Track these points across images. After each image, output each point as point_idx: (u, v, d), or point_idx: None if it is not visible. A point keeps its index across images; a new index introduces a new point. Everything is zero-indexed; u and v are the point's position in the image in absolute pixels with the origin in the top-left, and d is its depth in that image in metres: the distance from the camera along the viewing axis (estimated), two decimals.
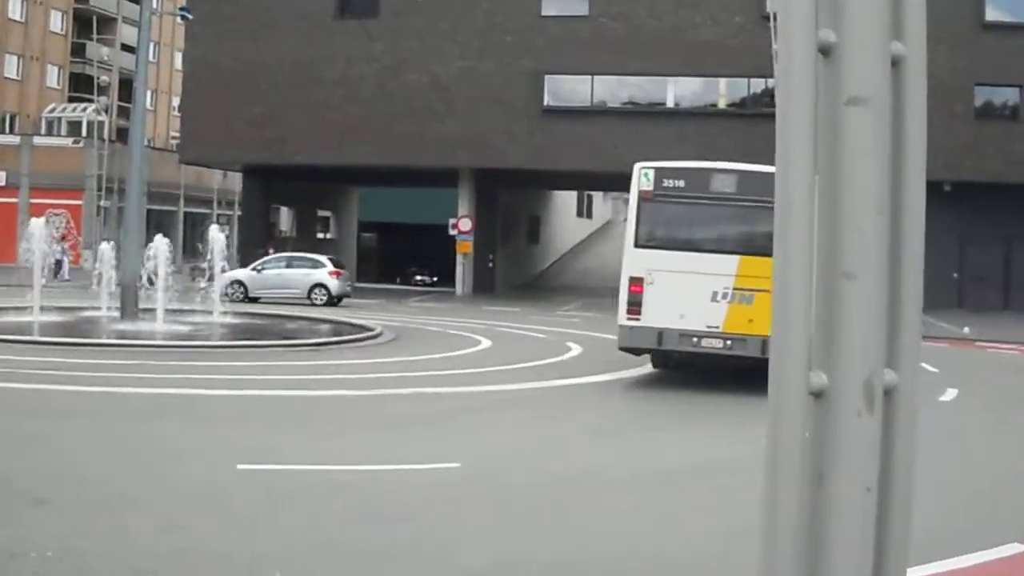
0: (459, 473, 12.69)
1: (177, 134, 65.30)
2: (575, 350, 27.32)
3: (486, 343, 28.15)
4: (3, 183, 68.64)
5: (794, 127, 2.20)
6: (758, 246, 20.10)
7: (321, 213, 68.11)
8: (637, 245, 21.20)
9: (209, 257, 33.75)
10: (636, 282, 21.06)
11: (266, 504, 10.79)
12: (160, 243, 30.28)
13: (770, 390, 2.20)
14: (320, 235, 67.44)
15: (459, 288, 54.29)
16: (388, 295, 52.28)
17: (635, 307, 20.96)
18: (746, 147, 37.15)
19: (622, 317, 21.14)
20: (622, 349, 21.56)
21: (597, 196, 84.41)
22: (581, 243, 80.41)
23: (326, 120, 51.29)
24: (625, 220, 23.53)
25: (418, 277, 61.42)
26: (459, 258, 54.59)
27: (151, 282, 29.84)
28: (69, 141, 69.77)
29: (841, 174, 2.23)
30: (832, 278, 2.24)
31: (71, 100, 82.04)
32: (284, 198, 62.36)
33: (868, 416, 2.23)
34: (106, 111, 75.11)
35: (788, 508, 2.20)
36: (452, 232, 54.33)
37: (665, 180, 21.30)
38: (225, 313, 32.21)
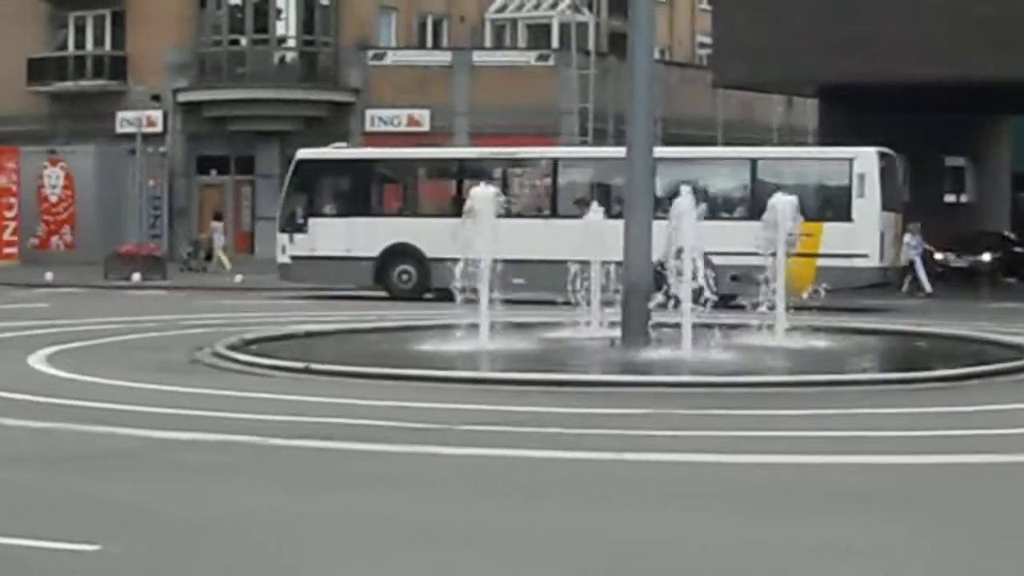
0: None
1: (708, 40, 52.36)
2: None
3: None
4: (426, 127, 51.10)
5: None
6: None
7: (950, 162, 52.75)
8: None
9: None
10: None
11: None
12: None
13: None
14: (949, 197, 52.65)
15: None
16: None
17: None
18: None
19: None
20: None
21: None
22: None
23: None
24: None
25: None
26: None
27: (663, 288, 22.97)
28: (531, 57, 54.63)
29: None
30: None
31: None
32: (882, 138, 47.11)
33: None
34: (590, 7, 56.95)
35: None
36: None
37: None
38: (793, 330, 24.57)
